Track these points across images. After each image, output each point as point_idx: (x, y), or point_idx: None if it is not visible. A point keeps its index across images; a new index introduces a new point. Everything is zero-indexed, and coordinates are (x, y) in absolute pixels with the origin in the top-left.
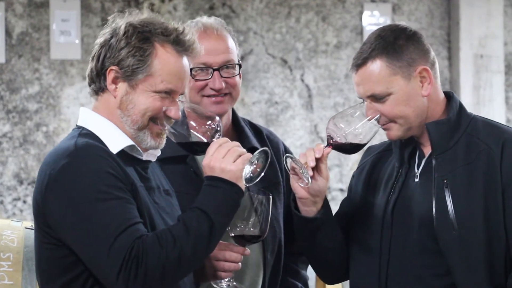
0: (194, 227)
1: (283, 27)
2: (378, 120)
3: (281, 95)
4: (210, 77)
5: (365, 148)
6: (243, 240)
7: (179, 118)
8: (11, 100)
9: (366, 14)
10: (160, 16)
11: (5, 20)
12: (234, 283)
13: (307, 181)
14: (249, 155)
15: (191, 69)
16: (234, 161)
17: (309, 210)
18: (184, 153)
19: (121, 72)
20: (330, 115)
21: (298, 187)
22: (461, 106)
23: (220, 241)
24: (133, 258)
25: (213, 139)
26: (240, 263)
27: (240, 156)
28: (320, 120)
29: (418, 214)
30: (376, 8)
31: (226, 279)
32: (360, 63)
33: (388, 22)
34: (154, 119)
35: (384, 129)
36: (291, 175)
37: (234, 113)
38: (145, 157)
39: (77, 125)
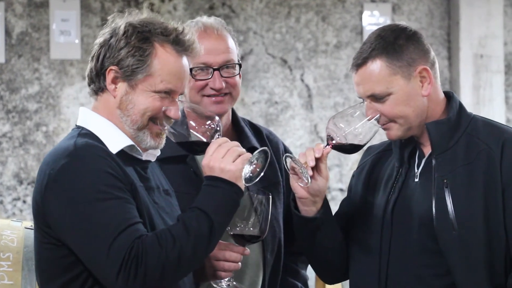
0: (193, 227)
1: (283, 27)
2: (378, 120)
3: (281, 95)
4: (210, 77)
5: (365, 148)
6: (243, 240)
7: (178, 118)
8: (11, 100)
9: (366, 14)
10: (159, 16)
11: (5, 20)
12: (234, 283)
13: (306, 181)
14: (248, 155)
15: (191, 69)
16: (233, 161)
17: (308, 210)
18: (184, 153)
19: (120, 72)
20: (330, 115)
21: (298, 186)
22: (461, 106)
23: (220, 241)
24: (132, 258)
25: (213, 139)
26: (240, 263)
27: (239, 156)
28: (320, 120)
29: (418, 214)
30: (376, 8)
31: (226, 279)
32: (360, 63)
33: (388, 22)
34: (154, 119)
35: (384, 129)
36: (290, 175)
37: (234, 113)
38: (144, 157)
39: (76, 125)
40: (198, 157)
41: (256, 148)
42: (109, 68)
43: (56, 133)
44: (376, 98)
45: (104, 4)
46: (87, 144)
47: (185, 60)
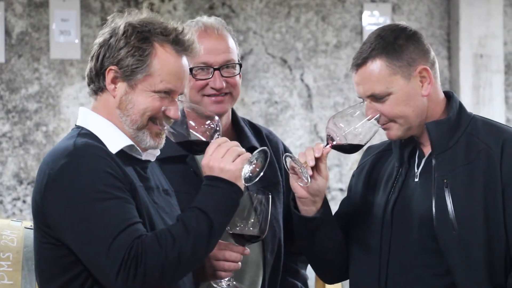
0: (193, 227)
1: (283, 26)
2: (378, 120)
3: (281, 95)
4: (210, 76)
5: (365, 147)
6: (242, 239)
7: (178, 118)
8: (10, 100)
9: (366, 14)
10: (159, 16)
11: (4, 20)
12: (234, 282)
13: (306, 181)
14: (248, 154)
15: (191, 69)
16: (233, 161)
17: (308, 209)
18: (184, 153)
19: (120, 72)
20: (329, 114)
21: (298, 186)
22: (461, 106)
23: (220, 240)
24: (132, 258)
25: (212, 139)
26: (240, 263)
27: (239, 155)
28: (320, 119)
29: (418, 214)
30: (376, 8)
31: (226, 279)
32: (360, 62)
33: (388, 22)
34: (154, 119)
35: (384, 129)
36: (290, 175)
37: (233, 112)
38: (144, 157)
39: (76, 125)
40: (198, 157)
41: (255, 148)
42: (109, 68)
43: (56, 133)
44: (376, 98)
45: (104, 4)
46: (86, 144)
47: (184, 60)
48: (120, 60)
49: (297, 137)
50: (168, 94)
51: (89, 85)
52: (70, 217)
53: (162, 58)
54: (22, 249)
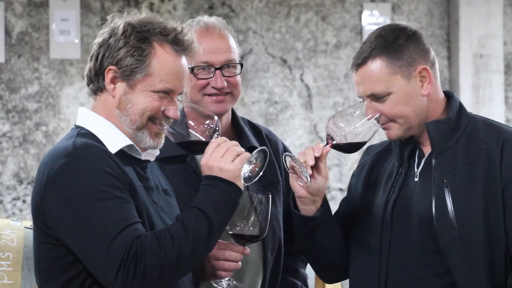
0: (193, 227)
1: (283, 26)
2: (377, 120)
3: (281, 95)
4: (212, 76)
5: (365, 147)
6: (243, 239)
7: (177, 118)
8: (10, 99)
9: (365, 14)
10: (159, 16)
11: (4, 20)
12: (234, 282)
13: (306, 180)
14: (247, 154)
15: (192, 68)
16: (232, 161)
17: (308, 209)
18: (183, 153)
19: (119, 72)
20: (329, 114)
21: (297, 186)
22: (461, 106)
23: (220, 240)
24: (131, 258)
25: (212, 139)
26: (240, 263)
27: (238, 155)
28: (320, 119)
29: (418, 214)
30: (376, 7)
31: (226, 278)
32: (360, 62)
33: (388, 21)
34: (153, 119)
35: (384, 129)
36: (290, 174)
37: (233, 112)
38: (143, 156)
39: (75, 125)
40: (198, 156)
41: (255, 148)
42: (108, 68)
43: (56, 133)
44: (376, 97)
45: (104, 3)
46: (86, 144)
47: (184, 60)
48: (119, 60)
49: (297, 137)
50: (168, 94)
51: (88, 85)
52: (69, 217)
53: (161, 58)
54: (22, 248)
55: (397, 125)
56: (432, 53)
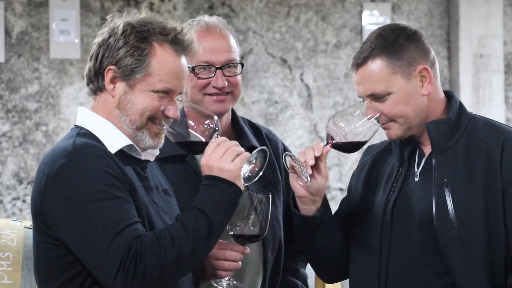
0: (192, 227)
1: (283, 26)
2: (378, 119)
3: (281, 95)
4: (212, 75)
5: (365, 147)
6: (243, 239)
7: (177, 118)
8: (10, 99)
9: (365, 14)
10: (159, 16)
11: (4, 20)
12: (235, 282)
13: (306, 180)
14: (247, 154)
15: (193, 67)
16: (232, 160)
17: (308, 208)
18: (183, 153)
19: (119, 71)
20: (329, 114)
21: (297, 185)
22: (461, 106)
23: (220, 240)
24: (131, 258)
25: (212, 139)
26: (240, 262)
27: (238, 155)
28: (320, 119)
29: (418, 214)
30: (376, 7)
31: (226, 278)
32: (360, 62)
33: (388, 21)
34: (153, 119)
35: (384, 128)
36: (290, 174)
37: (233, 112)
38: (143, 156)
39: (75, 125)
40: (198, 156)
41: (255, 148)
42: (108, 67)
43: (56, 133)
44: (376, 97)
45: (103, 3)
46: (85, 144)
47: (183, 60)
48: (119, 60)
49: (297, 137)
50: (167, 93)
51: (88, 85)
52: (69, 217)
53: (161, 58)
54: (22, 248)
55: (397, 125)
56: (432, 53)
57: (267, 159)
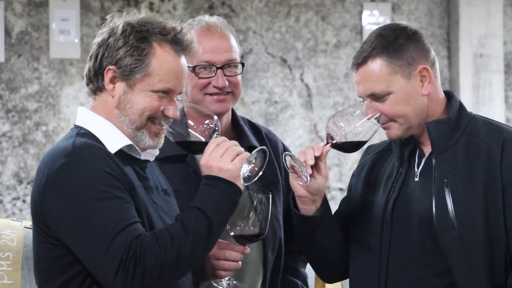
0: (192, 227)
1: (283, 26)
2: (378, 119)
3: (281, 95)
4: (213, 75)
5: (365, 147)
6: (243, 239)
7: (177, 118)
8: (10, 99)
9: (365, 14)
10: (159, 16)
11: (4, 19)
12: (235, 282)
13: (306, 180)
14: (247, 154)
15: (194, 67)
16: (232, 160)
17: (308, 208)
18: (183, 152)
19: (119, 71)
20: (329, 114)
21: (297, 185)
22: (461, 106)
23: (220, 240)
24: (131, 258)
25: (211, 138)
26: (240, 262)
27: (238, 155)
28: (320, 119)
29: (418, 213)
30: (376, 7)
31: (227, 278)
32: (360, 62)
33: (388, 21)
34: (152, 119)
35: (384, 128)
36: (290, 174)
37: (233, 112)
38: (143, 156)
39: (75, 125)
40: (198, 156)
41: (255, 147)
42: (107, 67)
43: (56, 133)
44: (376, 97)
45: (103, 3)
46: (85, 144)
47: (183, 60)
48: (118, 59)
49: (297, 137)
50: (167, 93)
51: (87, 85)
52: (69, 216)
53: (161, 58)
54: (22, 248)
55: (397, 125)
56: (432, 52)
57: (267, 159)
